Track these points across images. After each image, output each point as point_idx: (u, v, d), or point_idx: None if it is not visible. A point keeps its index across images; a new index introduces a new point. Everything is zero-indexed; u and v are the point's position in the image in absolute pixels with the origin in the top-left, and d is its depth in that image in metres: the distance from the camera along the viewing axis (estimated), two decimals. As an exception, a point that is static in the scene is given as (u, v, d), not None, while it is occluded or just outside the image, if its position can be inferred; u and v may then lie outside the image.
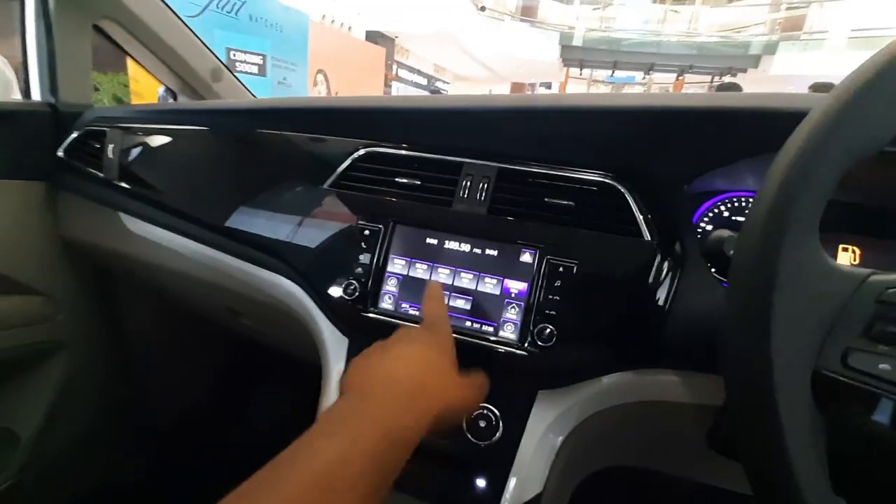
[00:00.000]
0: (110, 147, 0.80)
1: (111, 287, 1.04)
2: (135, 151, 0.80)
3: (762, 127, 0.46)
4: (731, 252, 0.44)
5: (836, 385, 0.23)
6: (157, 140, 0.79)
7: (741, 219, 0.57)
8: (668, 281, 0.49)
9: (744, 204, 0.57)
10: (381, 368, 0.39)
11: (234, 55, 5.72)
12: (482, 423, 0.51)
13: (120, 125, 0.82)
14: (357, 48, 8.84)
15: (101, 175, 0.81)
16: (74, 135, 0.87)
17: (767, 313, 0.23)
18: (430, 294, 0.49)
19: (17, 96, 1.12)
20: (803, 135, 0.26)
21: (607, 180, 0.52)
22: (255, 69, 6.02)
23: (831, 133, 0.25)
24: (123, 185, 0.80)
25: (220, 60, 1.10)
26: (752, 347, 0.24)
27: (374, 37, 10.03)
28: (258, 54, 6.03)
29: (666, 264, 0.49)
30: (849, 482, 0.23)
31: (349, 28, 9.72)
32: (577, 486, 0.74)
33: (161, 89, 1.15)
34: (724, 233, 0.48)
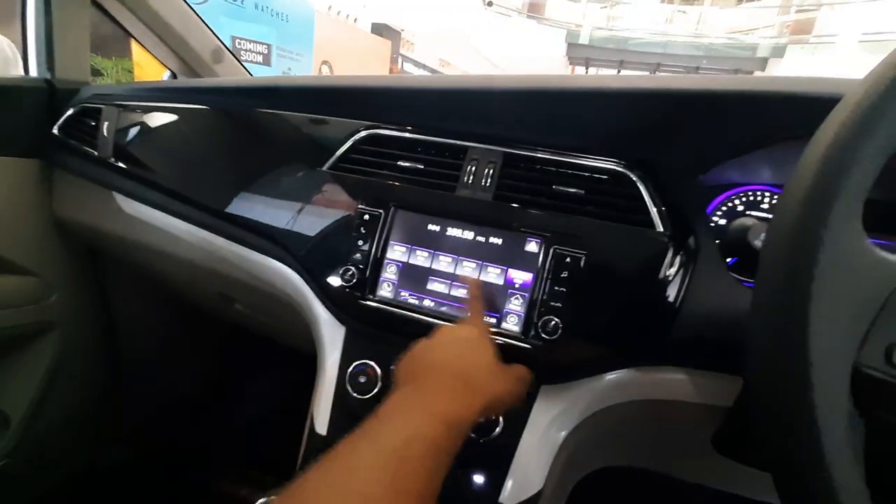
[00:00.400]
0: (105, 125, 0.78)
1: (105, 269, 1.02)
2: (131, 130, 0.78)
3: (789, 112, 0.44)
4: (757, 241, 0.42)
5: (879, 384, 0.21)
6: (154, 119, 0.77)
7: (756, 213, 0.55)
8: (680, 275, 0.46)
9: (759, 198, 0.55)
10: (431, 362, 0.40)
11: (240, 44, 5.68)
12: (481, 419, 0.49)
13: (116, 103, 0.80)
14: (362, 40, 8.79)
15: (95, 153, 0.79)
16: (70, 112, 0.85)
17: (805, 305, 0.21)
18: (475, 294, 0.49)
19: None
20: (848, 112, 0.24)
21: (619, 168, 0.50)
22: (259, 58, 5.99)
23: (873, 114, 0.23)
24: (118, 164, 0.78)
25: (220, 41, 1.07)
26: (787, 343, 0.22)
27: (379, 29, 9.96)
28: (263, 44, 5.99)
29: (679, 258, 0.47)
30: (888, 487, 0.21)
31: (355, 20, 9.65)
32: (574, 486, 0.72)
33: (165, 75, 1.12)
34: (749, 221, 0.46)
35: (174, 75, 1.09)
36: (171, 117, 0.75)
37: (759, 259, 0.27)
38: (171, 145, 0.75)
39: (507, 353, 0.49)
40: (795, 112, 0.43)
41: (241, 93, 0.70)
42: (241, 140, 0.71)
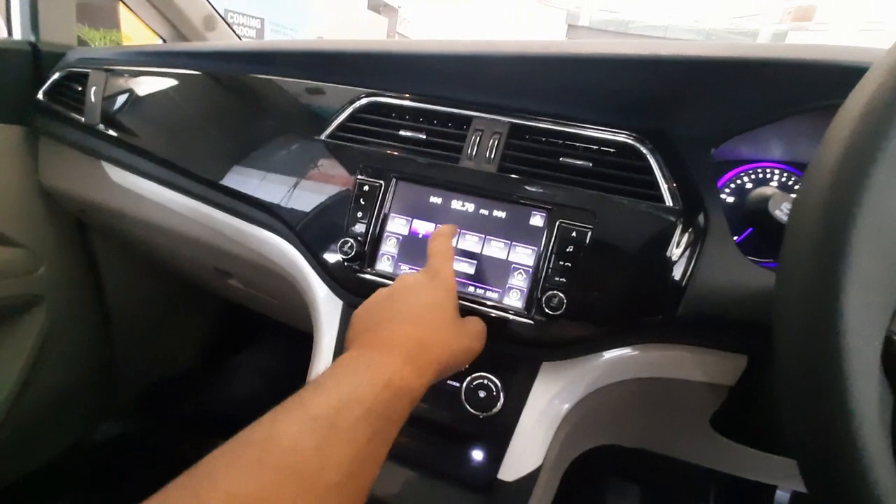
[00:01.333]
0: (92, 90, 0.75)
1: (94, 241, 1.00)
2: (119, 96, 0.75)
3: (811, 80, 0.42)
4: (778, 211, 0.41)
5: None
6: (144, 84, 0.74)
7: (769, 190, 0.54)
8: (688, 252, 0.45)
9: (768, 175, 0.54)
10: (383, 320, 0.38)
11: (231, 17, 5.54)
12: (482, 394, 0.48)
13: (104, 67, 0.76)
14: (358, 16, 8.60)
15: (82, 120, 0.76)
16: (55, 76, 0.82)
17: (839, 267, 0.20)
18: (440, 231, 0.46)
19: None
20: (886, 73, 0.22)
21: (629, 140, 0.48)
22: (252, 33, 5.85)
23: None
24: (106, 131, 0.75)
25: (213, 7, 1.03)
26: (818, 307, 0.21)
27: (376, 5, 9.75)
28: (256, 17, 5.85)
29: (687, 234, 0.45)
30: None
31: (351, -5, 9.42)
32: (571, 463, 0.73)
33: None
34: (769, 190, 0.44)
35: (164, 42, 1.05)
36: (162, 83, 0.72)
37: (786, 226, 0.26)
38: (161, 112, 0.72)
39: (508, 329, 0.48)
40: (817, 81, 0.42)
41: (236, 57, 0.67)
42: (235, 107, 0.68)
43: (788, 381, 0.24)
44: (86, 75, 0.77)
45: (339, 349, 0.54)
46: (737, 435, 0.57)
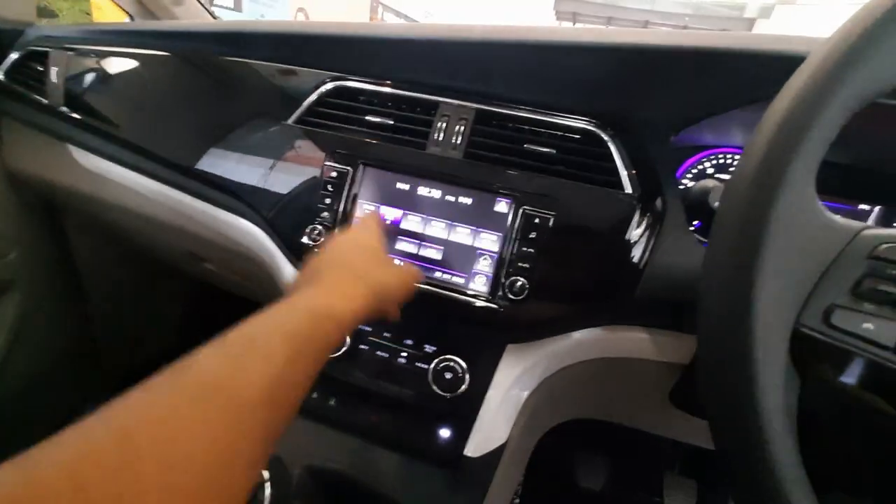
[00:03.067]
0: (54, 70, 0.73)
1: (67, 225, 0.98)
2: (83, 77, 0.73)
3: (761, 70, 0.43)
4: (717, 202, 0.42)
5: (815, 343, 0.22)
6: (108, 65, 0.72)
7: (724, 176, 0.55)
8: (646, 237, 0.47)
9: (729, 161, 0.55)
10: (315, 263, 0.39)
11: (207, -14, 5.31)
12: (448, 375, 0.50)
13: (66, 46, 0.74)
14: (341, -13, 8.29)
15: (45, 102, 0.74)
16: (14, 56, 0.79)
17: (754, 264, 0.21)
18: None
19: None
20: (809, 72, 0.23)
21: (591, 127, 0.49)
22: (229, 3, 5.62)
23: (839, 71, 0.23)
24: (71, 114, 0.73)
25: (180, -20, 0.99)
26: (734, 300, 0.22)
27: (359, -25, 9.39)
28: (233, -13, 5.61)
29: (645, 220, 0.47)
30: (817, 442, 0.22)
31: (333, -37, 9.07)
32: (540, 438, 0.76)
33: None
34: (710, 183, 0.46)
35: (132, 20, 1.01)
36: (127, 63, 0.70)
37: (714, 218, 0.27)
38: (127, 94, 0.70)
39: (474, 314, 0.49)
40: (767, 70, 0.43)
41: (202, 38, 0.66)
42: (203, 90, 0.67)
43: (706, 361, 0.26)
44: (47, 54, 0.74)
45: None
46: (692, 409, 0.60)
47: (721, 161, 0.55)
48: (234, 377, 0.24)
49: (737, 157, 0.55)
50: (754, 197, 0.22)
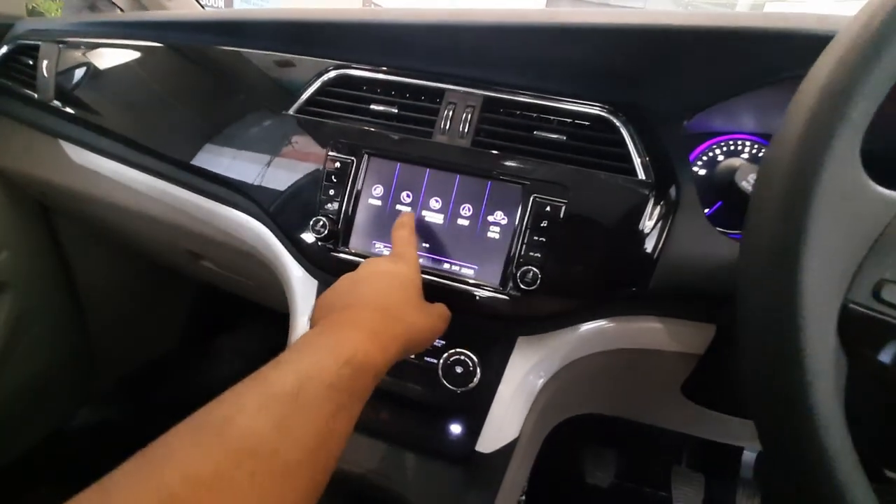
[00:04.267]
0: (44, 64, 0.71)
1: (60, 224, 0.96)
2: (75, 70, 0.71)
3: (781, 50, 0.42)
4: (745, 182, 0.41)
5: (865, 320, 0.21)
6: (101, 57, 0.70)
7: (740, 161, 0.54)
8: (660, 225, 0.45)
9: (740, 147, 0.54)
10: (347, 298, 0.38)
11: (197, -16, 5.26)
12: (459, 370, 0.49)
13: (56, 39, 0.72)
14: (332, -16, 8.26)
15: (35, 96, 0.72)
16: (4, 49, 0.77)
17: (799, 239, 0.20)
18: (401, 222, 0.47)
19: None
20: (848, 44, 0.22)
21: (603, 113, 0.47)
22: (219, 2, 5.57)
23: (879, 43, 0.21)
24: (63, 108, 0.71)
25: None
26: (778, 280, 0.21)
27: (350, -27, 9.37)
28: (223, -16, 5.56)
29: (660, 207, 0.46)
30: (867, 429, 0.21)
31: (324, -38, 9.04)
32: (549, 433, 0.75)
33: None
34: (737, 161, 0.45)
35: (122, 11, 0.99)
36: (120, 55, 0.68)
37: (750, 197, 0.26)
38: (121, 87, 0.68)
39: (484, 306, 0.48)
40: (791, 50, 0.42)
41: (196, 27, 0.64)
42: (199, 81, 0.65)
43: (749, 349, 0.24)
44: (37, 48, 0.72)
45: (316, 329, 0.53)
46: (706, 401, 0.59)
47: (732, 147, 0.54)
48: (280, 439, 0.24)
49: (747, 143, 0.54)
50: (797, 169, 0.21)
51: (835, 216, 0.21)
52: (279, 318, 0.81)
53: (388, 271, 0.41)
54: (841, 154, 0.20)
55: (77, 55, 0.71)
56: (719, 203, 0.52)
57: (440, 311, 0.44)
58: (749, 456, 1.00)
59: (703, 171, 0.54)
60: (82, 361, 1.07)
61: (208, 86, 0.64)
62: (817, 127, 0.21)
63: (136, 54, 0.67)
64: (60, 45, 0.71)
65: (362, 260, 0.51)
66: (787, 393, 0.21)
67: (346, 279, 0.41)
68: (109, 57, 0.69)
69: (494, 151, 0.49)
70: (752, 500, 0.95)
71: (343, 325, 0.33)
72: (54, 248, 0.97)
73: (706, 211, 0.49)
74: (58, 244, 0.97)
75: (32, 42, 0.74)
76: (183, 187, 0.63)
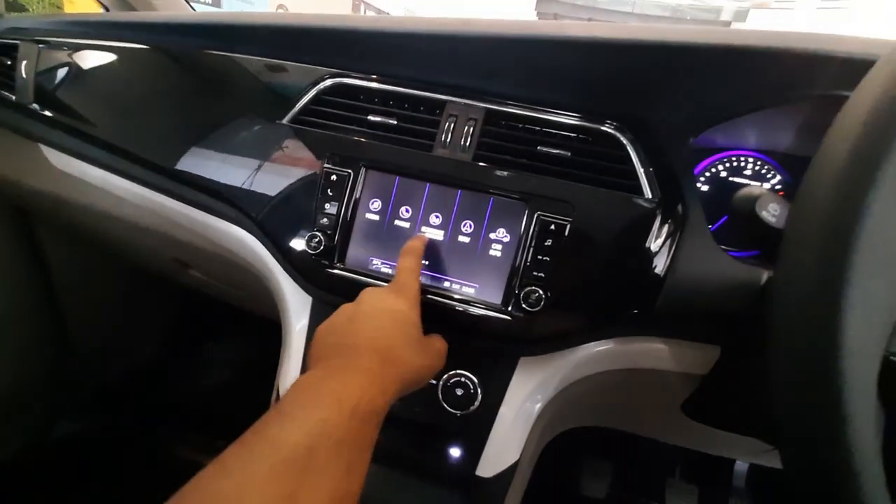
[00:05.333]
0: (23, 64, 0.67)
1: (38, 231, 0.92)
2: (56, 72, 0.68)
3: (795, 70, 0.41)
4: (765, 212, 0.40)
5: None
6: (84, 59, 0.67)
7: (739, 180, 0.53)
8: (668, 243, 0.44)
9: (742, 163, 0.54)
10: (346, 337, 0.37)
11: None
12: (459, 392, 0.47)
13: (36, 38, 0.69)
14: (322, -16, 8.19)
15: (13, 98, 0.69)
16: (-20, 49, 0.73)
17: (840, 288, 0.19)
18: (410, 247, 0.45)
19: None
20: (891, 75, 0.21)
21: (608, 129, 0.46)
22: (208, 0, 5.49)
23: None
24: (43, 111, 0.68)
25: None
26: (818, 325, 0.20)
27: (341, -27, 9.30)
28: (211, -18, 5.49)
29: (667, 225, 0.45)
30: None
31: (314, -40, 8.95)
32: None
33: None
34: (756, 190, 0.44)
35: (107, 11, 0.96)
36: (105, 57, 0.65)
37: (784, 234, 0.25)
38: (104, 90, 0.66)
39: (486, 326, 0.47)
40: (802, 71, 0.41)
41: (186, 30, 0.61)
42: (188, 87, 0.63)
43: (784, 390, 0.23)
44: (16, 48, 0.69)
45: (309, 344, 0.51)
46: (707, 419, 0.59)
47: (735, 164, 0.54)
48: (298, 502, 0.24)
49: (750, 159, 0.53)
50: (838, 213, 0.20)
51: (877, 265, 0.19)
52: (269, 325, 0.79)
53: (388, 309, 0.40)
54: (884, 197, 0.19)
55: (58, 56, 0.68)
56: (723, 220, 0.52)
57: (438, 347, 0.43)
58: (741, 467, 1.00)
59: (705, 188, 0.53)
60: (63, 370, 1.03)
61: (198, 91, 0.62)
62: (860, 167, 0.20)
63: (122, 56, 0.64)
64: (41, 45, 0.68)
65: (358, 277, 0.49)
66: (825, 445, 0.20)
67: (344, 312, 0.40)
68: (93, 58, 0.66)
69: (497, 166, 0.47)
70: (745, 510, 0.95)
71: (345, 371, 0.33)
72: (33, 253, 0.94)
73: (710, 227, 0.49)
74: (37, 251, 0.93)
75: (11, 41, 0.70)
76: (170, 196, 0.61)
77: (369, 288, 0.43)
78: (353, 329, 0.37)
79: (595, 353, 0.49)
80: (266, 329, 0.88)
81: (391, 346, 0.36)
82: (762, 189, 0.44)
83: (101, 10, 0.95)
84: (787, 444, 0.23)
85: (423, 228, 0.48)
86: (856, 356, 0.19)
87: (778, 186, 0.50)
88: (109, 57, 0.65)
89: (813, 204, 0.22)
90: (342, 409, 0.29)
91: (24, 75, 0.67)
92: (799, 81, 0.41)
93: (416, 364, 0.38)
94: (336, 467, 0.26)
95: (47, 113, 0.67)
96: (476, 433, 0.48)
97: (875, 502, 0.19)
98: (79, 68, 0.67)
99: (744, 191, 0.46)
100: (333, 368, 0.33)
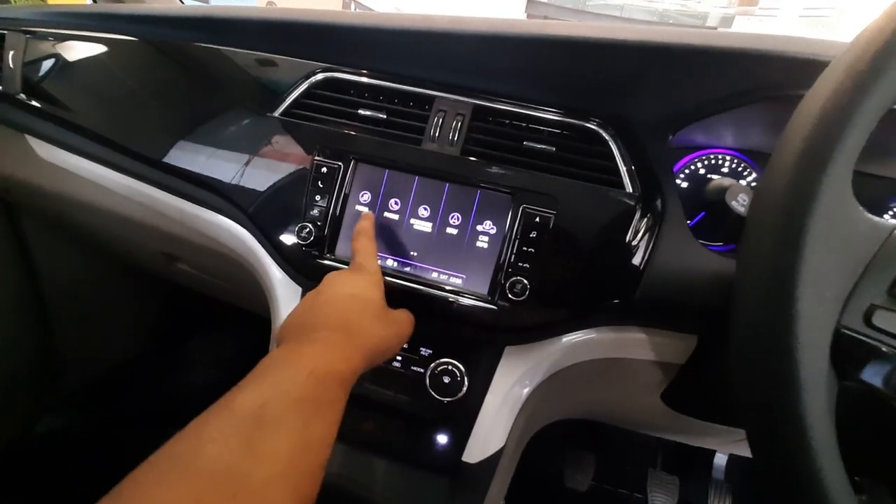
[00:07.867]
0: (11, 54, 0.67)
1: (23, 222, 0.91)
2: (43, 62, 0.68)
3: (771, 70, 0.43)
4: (735, 202, 0.42)
5: (856, 345, 0.21)
6: (71, 50, 0.66)
7: (717, 177, 0.55)
8: (647, 236, 0.46)
9: (720, 161, 0.56)
10: (311, 314, 0.38)
11: (171, -26, 5.10)
12: (446, 380, 0.48)
13: (23, 29, 0.68)
14: (312, -19, 8.15)
15: (0, 88, 0.68)
16: (-35, 38, 0.72)
17: (795, 266, 0.21)
18: (360, 228, 0.47)
19: None
20: (843, 73, 0.23)
21: (591, 126, 0.48)
22: (195, -7, 5.42)
23: (874, 73, 0.22)
24: (29, 102, 0.67)
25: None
26: (774, 302, 0.22)
27: (330, -30, 9.25)
28: (199, -24, 5.42)
29: (646, 219, 0.46)
30: (857, 448, 0.22)
31: (303, -43, 8.90)
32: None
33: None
34: (726, 181, 0.46)
35: (95, 2, 0.95)
36: (93, 49, 0.65)
37: (746, 219, 0.26)
38: (93, 82, 0.65)
39: (472, 315, 0.48)
40: (777, 71, 0.43)
41: (176, 23, 0.62)
42: (178, 79, 0.63)
43: (743, 367, 0.25)
44: (2, 37, 0.69)
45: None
46: (685, 408, 0.61)
47: (713, 162, 0.56)
48: (252, 459, 0.24)
49: (727, 157, 0.56)
50: (792, 199, 0.22)
51: (829, 242, 0.21)
52: (257, 320, 0.79)
53: (349, 294, 0.41)
54: (834, 181, 0.21)
55: (46, 46, 0.67)
56: (701, 215, 0.54)
57: (404, 317, 0.44)
58: (721, 458, 1.03)
59: (685, 184, 0.55)
60: (46, 366, 1.02)
61: (188, 83, 0.62)
62: (812, 154, 0.22)
63: (110, 48, 0.64)
64: (28, 36, 0.67)
65: (347, 267, 0.50)
66: (781, 412, 0.21)
67: (308, 299, 0.41)
68: (81, 49, 0.66)
69: (484, 160, 0.49)
70: (724, 500, 0.98)
71: (302, 343, 0.34)
72: (17, 247, 0.93)
73: (689, 222, 0.51)
74: (21, 244, 0.92)
75: (-3, 31, 0.70)
76: (159, 188, 0.61)
77: (331, 273, 0.44)
78: (314, 312, 0.38)
79: (578, 343, 0.51)
80: (252, 325, 0.88)
81: (350, 321, 0.37)
82: (732, 181, 0.46)
83: (90, 1, 0.94)
84: (746, 411, 0.25)
85: (412, 221, 0.50)
86: (810, 327, 0.21)
87: (754, 183, 0.53)
88: (98, 48, 0.65)
89: (771, 190, 0.24)
90: (298, 371, 0.30)
91: (11, 65, 0.67)
92: (765, 81, 0.43)
93: (379, 334, 0.39)
94: (293, 420, 0.27)
95: (34, 103, 0.67)
96: (462, 420, 0.49)
97: (824, 454, 0.20)
98: (67, 59, 0.67)
99: (715, 182, 0.48)
100: (297, 342, 0.34)
